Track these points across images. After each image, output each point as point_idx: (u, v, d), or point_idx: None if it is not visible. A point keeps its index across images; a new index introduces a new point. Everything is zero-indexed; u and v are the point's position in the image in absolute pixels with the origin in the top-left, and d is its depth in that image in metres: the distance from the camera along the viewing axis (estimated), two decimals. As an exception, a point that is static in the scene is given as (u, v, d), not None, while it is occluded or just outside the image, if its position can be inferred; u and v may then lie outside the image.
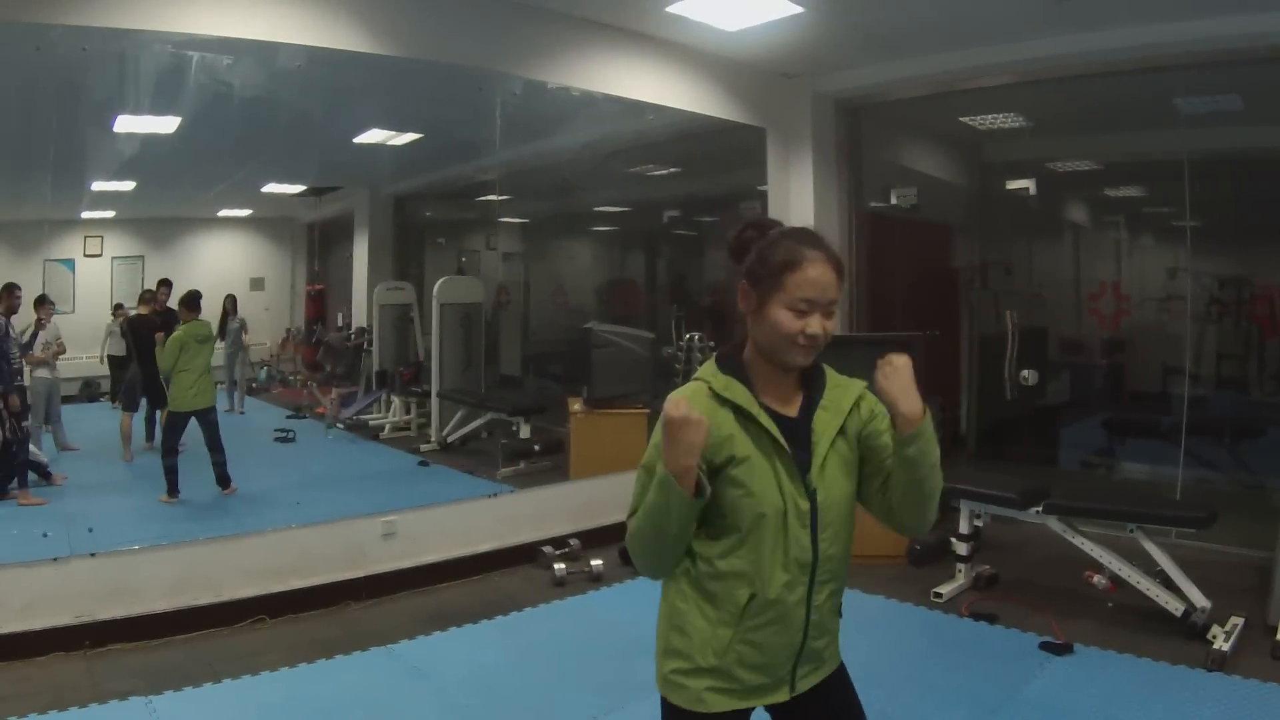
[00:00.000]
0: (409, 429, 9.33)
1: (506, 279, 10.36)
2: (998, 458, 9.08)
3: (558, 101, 7.49)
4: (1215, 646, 4.90)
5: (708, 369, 2.24)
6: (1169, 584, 5.32)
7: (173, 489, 6.59)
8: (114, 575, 5.21)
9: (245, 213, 9.47)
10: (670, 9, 6.71)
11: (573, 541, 6.68)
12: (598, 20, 7.05)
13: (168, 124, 6.80)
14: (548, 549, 6.53)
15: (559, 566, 6.27)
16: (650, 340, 8.31)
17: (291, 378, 9.36)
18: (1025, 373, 7.82)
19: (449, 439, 8.83)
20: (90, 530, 5.45)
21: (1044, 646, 5.11)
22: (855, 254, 8.71)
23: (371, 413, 9.45)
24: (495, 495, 6.84)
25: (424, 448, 8.71)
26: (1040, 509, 5.62)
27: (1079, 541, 5.58)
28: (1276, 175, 7.93)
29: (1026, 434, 9.12)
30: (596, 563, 6.32)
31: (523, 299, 10.70)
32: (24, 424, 6.76)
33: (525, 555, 6.58)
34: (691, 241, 11.41)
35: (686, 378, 8.49)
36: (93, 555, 5.19)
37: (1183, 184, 7.38)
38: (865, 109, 8.78)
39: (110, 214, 8.30)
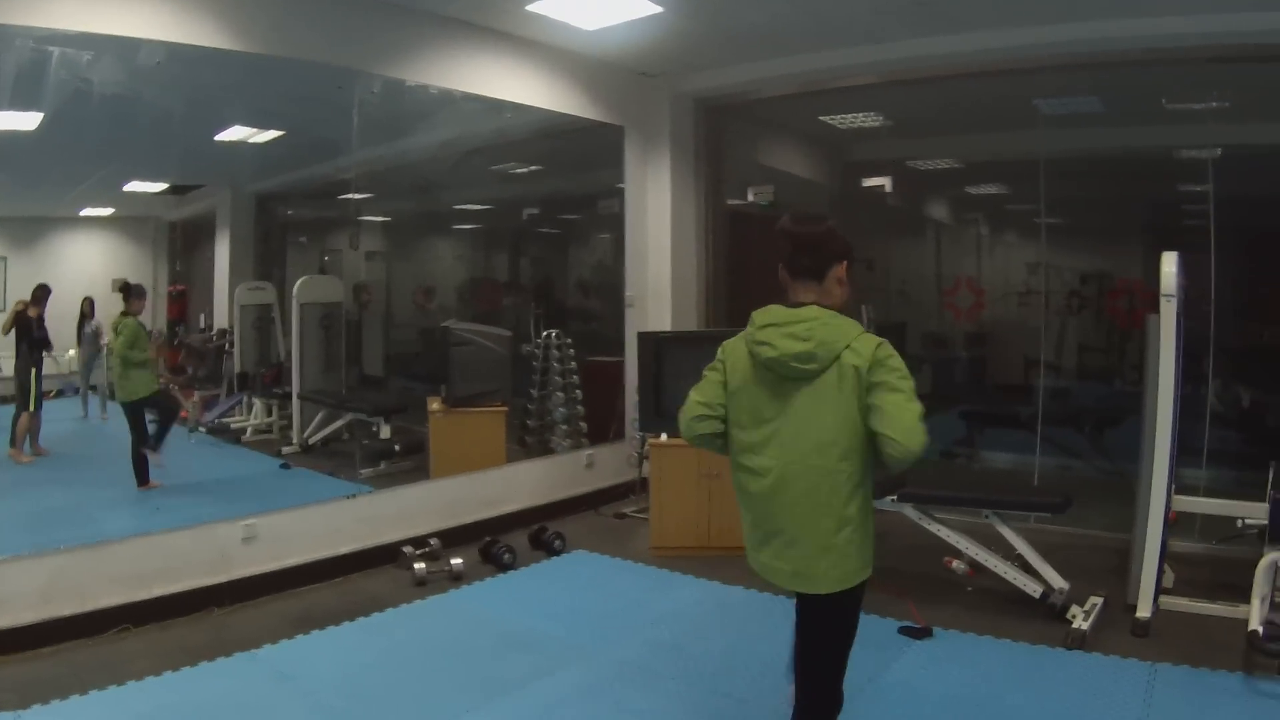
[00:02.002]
0: (271, 432, 9.07)
1: (369, 278, 10.29)
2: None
3: (417, 100, 7.35)
4: (1074, 626, 5.03)
5: (859, 325, 2.86)
6: (1028, 568, 5.46)
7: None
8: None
9: (108, 212, 9.12)
10: (530, 8, 6.63)
11: (433, 541, 6.59)
12: (459, 18, 6.95)
13: (28, 120, 6.47)
14: (408, 549, 6.42)
15: (419, 566, 6.17)
16: (509, 338, 8.25)
17: (164, 381, 9.13)
18: None
19: (310, 441, 8.62)
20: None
21: (903, 631, 5.16)
22: (713, 252, 8.76)
23: (234, 416, 9.32)
24: (354, 496, 6.70)
25: (285, 450, 8.49)
26: (895, 498, 5.66)
27: (936, 529, 5.66)
28: (1131, 174, 8.34)
29: None
30: (456, 561, 6.24)
31: (385, 298, 10.65)
32: None
33: (387, 556, 6.48)
34: (553, 239, 11.35)
35: (544, 375, 8.78)
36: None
37: (1040, 183, 7.64)
38: (726, 109, 8.80)
39: None
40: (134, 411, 6.96)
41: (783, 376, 2.89)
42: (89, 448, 7.48)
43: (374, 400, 8.81)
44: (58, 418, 7.36)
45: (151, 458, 6.98)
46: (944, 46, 7.00)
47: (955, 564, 5.82)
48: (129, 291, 7.22)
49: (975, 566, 5.73)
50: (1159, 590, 5.37)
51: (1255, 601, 4.78)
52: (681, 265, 8.55)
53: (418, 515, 6.88)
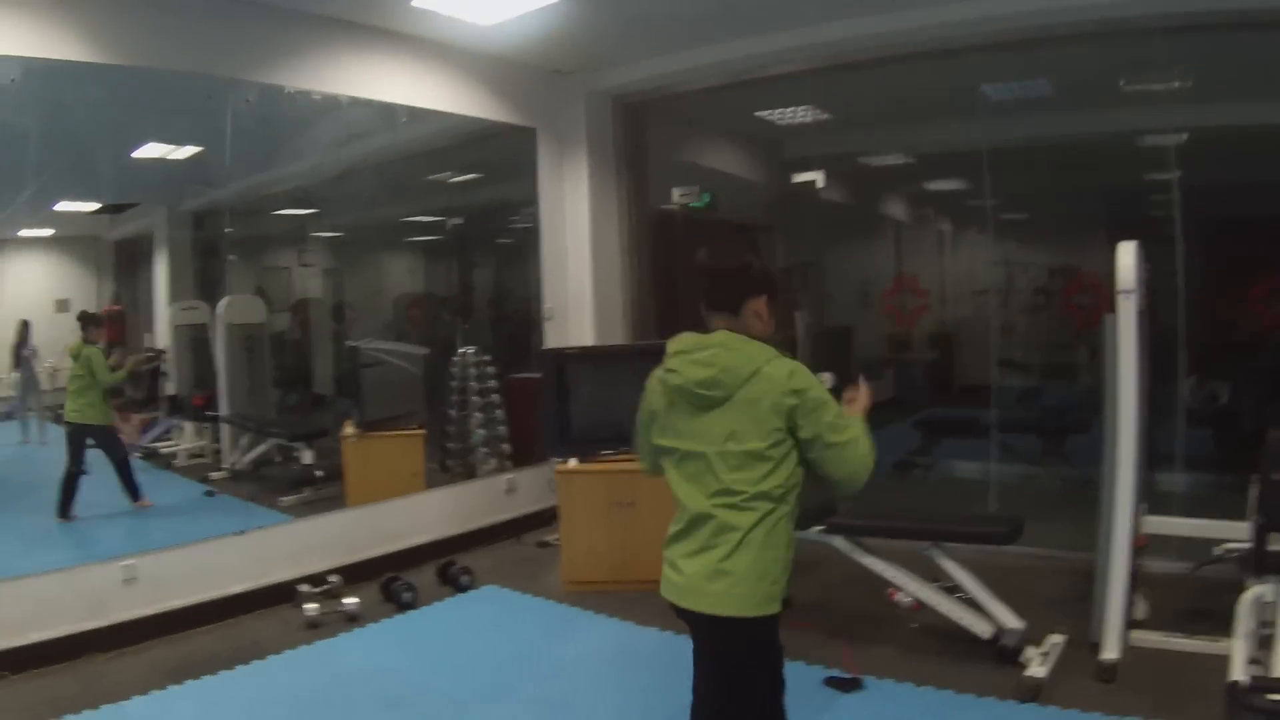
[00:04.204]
0: (204, 456, 8.74)
1: (310, 295, 9.89)
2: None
3: (302, 108, 6.79)
4: (1028, 673, 4.19)
5: (775, 350, 2.75)
6: (976, 603, 4.61)
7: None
8: None
9: (48, 232, 8.85)
10: (416, 3, 5.90)
11: (333, 578, 5.93)
12: (340, 18, 6.23)
13: None
14: (305, 587, 5.75)
15: (309, 607, 5.53)
16: (422, 356, 7.62)
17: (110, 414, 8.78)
18: (820, 375, 7.22)
19: (239, 466, 8.02)
20: None
21: (829, 682, 4.38)
22: (639, 259, 7.99)
23: (169, 440, 8.92)
24: (243, 532, 6.02)
25: (213, 476, 7.89)
26: (822, 529, 4.88)
27: (869, 562, 4.83)
28: (1088, 163, 7.58)
29: None
30: (351, 601, 5.60)
31: (328, 316, 10.19)
32: None
33: (283, 595, 5.80)
34: (478, 250, 10.35)
35: (463, 395, 7.71)
36: None
37: (990, 175, 6.84)
38: (647, 105, 7.96)
39: None
40: (78, 437, 6.73)
41: (694, 405, 2.76)
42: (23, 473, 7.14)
43: (292, 424, 8.22)
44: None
45: (140, 505, 6.83)
46: (877, 26, 6.18)
47: (899, 596, 4.84)
48: (88, 320, 6.99)
49: (921, 599, 4.82)
50: (1129, 625, 4.53)
51: (1237, 644, 3.86)
52: (604, 275, 7.75)
53: (318, 549, 6.20)
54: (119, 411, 8.33)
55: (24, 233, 8.42)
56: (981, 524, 4.97)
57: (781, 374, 2.67)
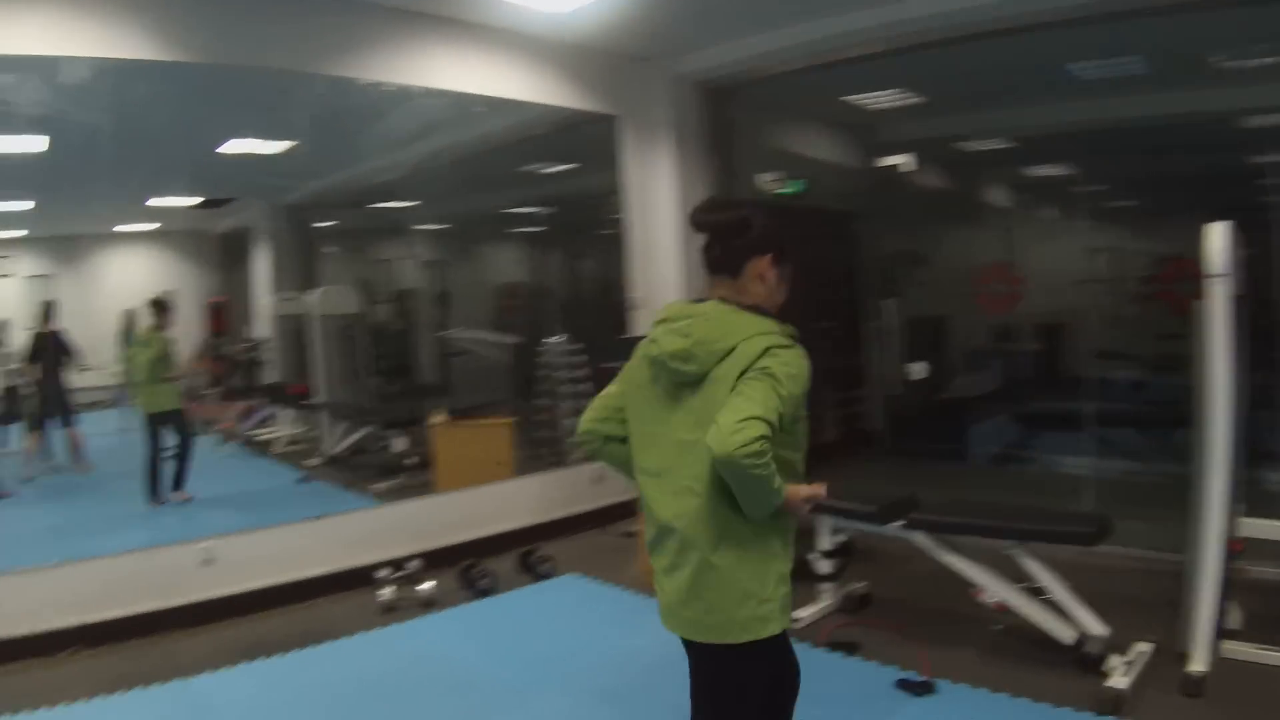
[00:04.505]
0: (301, 443, 8.70)
1: (413, 285, 9.92)
2: (911, 456, 8.05)
3: (373, 100, 6.69)
4: (1110, 683, 3.86)
5: (770, 323, 2.36)
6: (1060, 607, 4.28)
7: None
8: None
9: (152, 227, 9.11)
10: None
11: (413, 563, 5.86)
12: (411, 9, 6.13)
13: (36, 143, 6.45)
14: (383, 572, 5.69)
15: (385, 592, 5.51)
16: (511, 345, 7.60)
17: (205, 392, 9.00)
18: (912, 366, 6.90)
19: (333, 453, 8.16)
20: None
21: (901, 685, 4.10)
22: None
23: (269, 427, 9.06)
24: (321, 517, 6.00)
25: (309, 462, 8.05)
26: (903, 524, 4.63)
27: (951, 560, 4.54)
28: (1189, 143, 7.13)
29: (940, 430, 8.10)
30: (427, 587, 5.55)
31: (434, 306, 10.19)
32: None
33: (362, 579, 5.76)
34: (575, 239, 10.47)
35: (552, 383, 7.31)
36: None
37: (1094, 158, 6.63)
38: (732, 91, 7.67)
39: (23, 233, 8.05)
40: (154, 424, 6.84)
41: (671, 383, 2.40)
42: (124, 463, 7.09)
43: (385, 412, 8.26)
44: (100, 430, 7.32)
45: (176, 497, 6.84)
46: (963, 1, 5.84)
47: (984, 595, 4.55)
48: (160, 307, 7.02)
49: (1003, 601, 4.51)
50: (1220, 634, 4.12)
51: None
52: (691, 263, 7.29)
53: (400, 535, 6.16)
54: (222, 401, 8.53)
55: (127, 228, 8.67)
56: (1066, 523, 4.55)
57: (756, 348, 2.26)
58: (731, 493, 2.25)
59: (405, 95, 6.64)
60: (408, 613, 5.46)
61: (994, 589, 4.44)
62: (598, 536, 7.05)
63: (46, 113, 6.02)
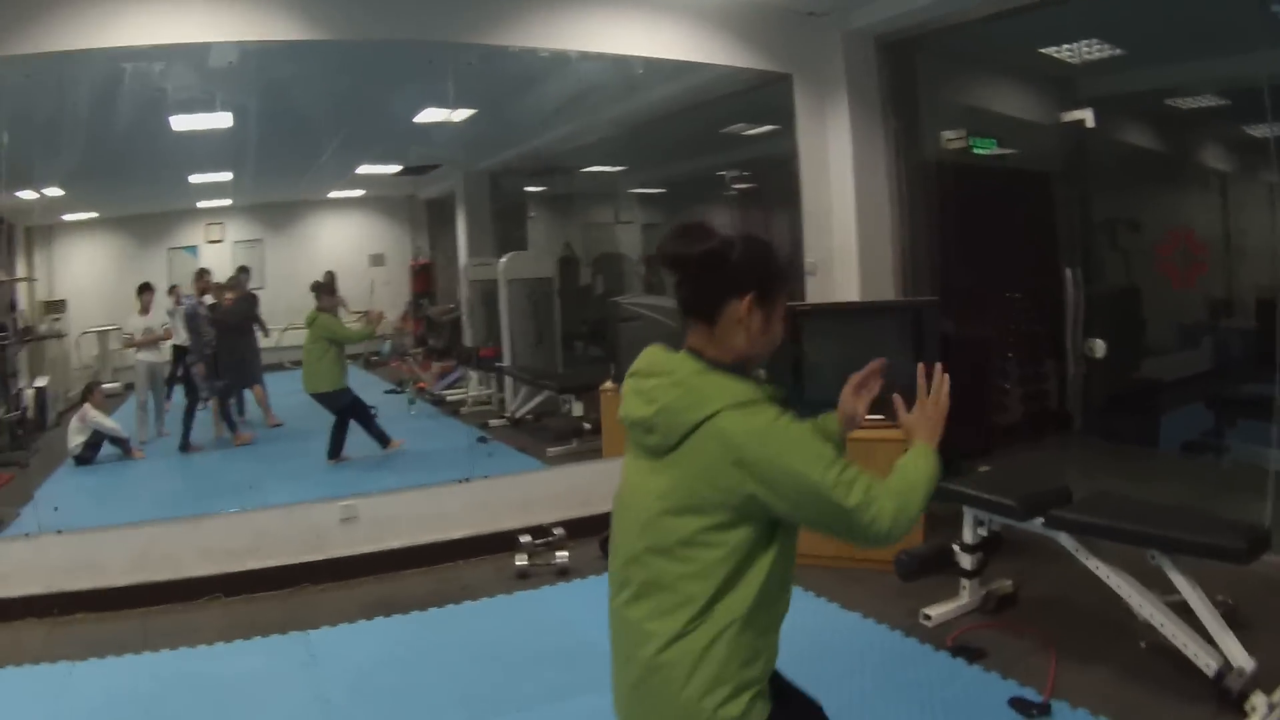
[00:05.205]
0: (490, 404, 8.83)
1: (609, 249, 9.87)
2: (1106, 437, 7.25)
3: (528, 65, 6.57)
4: None
5: (749, 389, 1.92)
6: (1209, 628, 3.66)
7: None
8: (83, 552, 5.18)
9: (359, 193, 9.51)
10: None
11: (557, 531, 5.74)
12: None
13: (220, 120, 6.87)
14: (526, 538, 5.62)
15: (521, 558, 5.46)
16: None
17: (410, 352, 9.34)
18: (1093, 342, 6.09)
19: (517, 415, 8.19)
20: (55, 509, 5.35)
21: (1014, 703, 3.64)
22: (910, 211, 7.07)
23: (460, 388, 9.25)
24: (467, 480, 5.95)
25: (492, 423, 8.10)
26: (1043, 521, 4.14)
27: (1094, 565, 4.00)
28: None
29: (1133, 413, 7.22)
30: (563, 555, 5.46)
31: (621, 272, 10.13)
32: (208, 386, 7.48)
33: (506, 543, 5.70)
34: (768, 201, 10.10)
35: None
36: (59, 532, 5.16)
37: None
38: (913, 43, 7.04)
39: (228, 202, 8.58)
40: (321, 402, 7.17)
41: (640, 447, 2.01)
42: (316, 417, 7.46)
43: (563, 377, 8.21)
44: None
45: (339, 460, 7.15)
46: None
47: None
48: (320, 289, 7.24)
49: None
50: None
51: None
52: (871, 227, 6.91)
53: (548, 502, 6.07)
54: (422, 361, 8.79)
55: (340, 193, 9.05)
56: (1216, 533, 3.77)
57: (736, 431, 1.84)
58: (691, 596, 1.89)
59: (582, 61, 6.53)
60: (541, 580, 5.42)
61: (1135, 602, 3.89)
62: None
63: (251, 93, 6.49)
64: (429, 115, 7.49)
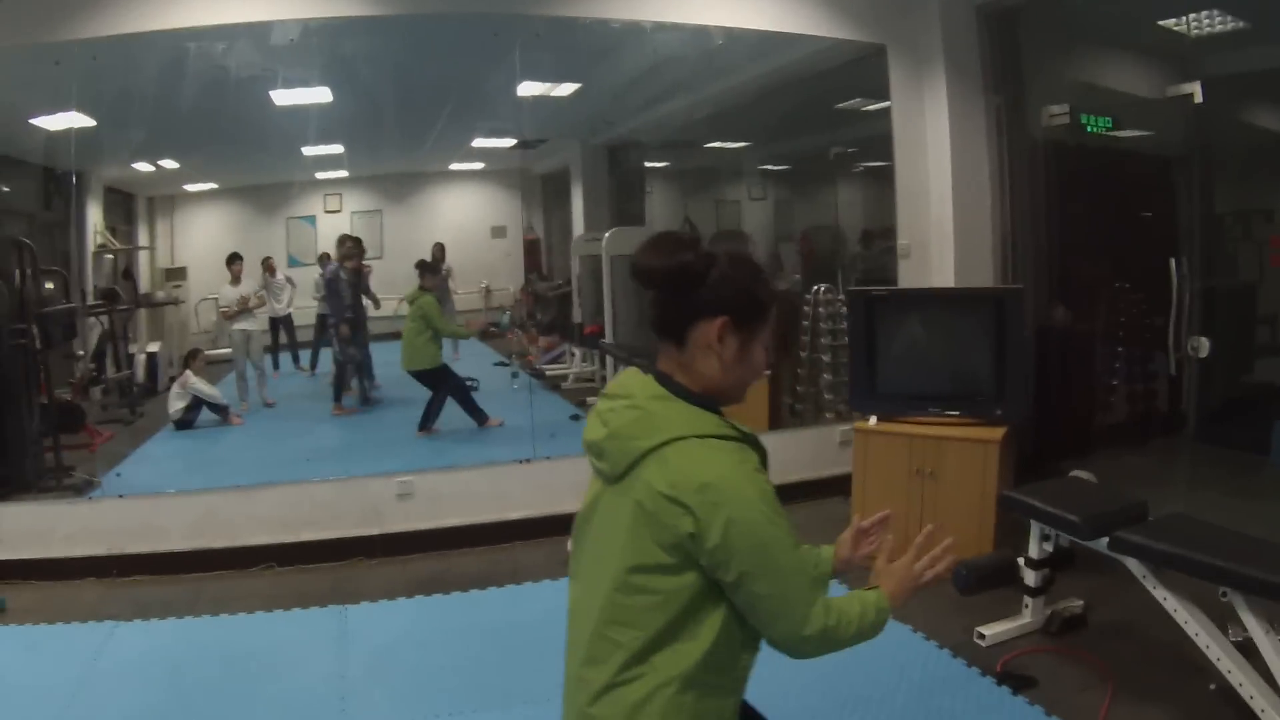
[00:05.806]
0: (593, 381, 8.67)
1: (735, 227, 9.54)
2: (1222, 443, 6.34)
3: (598, 36, 6.34)
4: None
5: (715, 423, 1.73)
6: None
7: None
8: (146, 516, 5.31)
9: (478, 166, 9.49)
10: None
11: None
12: None
13: (321, 95, 6.97)
14: None
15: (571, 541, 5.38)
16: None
17: (520, 326, 9.32)
18: (1197, 340, 5.51)
19: (615, 392, 8.01)
20: (118, 474, 5.56)
21: None
22: (1013, 191, 6.53)
23: (564, 363, 9.13)
24: (528, 461, 5.80)
25: (589, 400, 7.82)
26: (1109, 542, 3.68)
27: (1160, 595, 3.53)
28: None
29: (1246, 419, 6.28)
30: None
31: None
32: (349, 350, 7.66)
33: (563, 526, 5.65)
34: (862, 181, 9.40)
35: (813, 337, 6.87)
36: (120, 497, 5.35)
37: None
38: (1019, 13, 6.47)
39: (344, 174, 8.70)
40: (419, 379, 7.18)
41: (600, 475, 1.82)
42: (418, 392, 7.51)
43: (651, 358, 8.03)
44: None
45: (427, 433, 7.18)
46: None
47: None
48: (424, 268, 7.27)
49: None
50: None
51: None
52: (969, 209, 6.42)
53: None
54: (528, 335, 8.74)
55: (460, 166, 9.04)
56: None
57: (683, 464, 1.64)
58: (636, 653, 1.69)
59: (629, 30, 6.31)
60: (593, 563, 5.23)
61: (1203, 641, 3.42)
62: (834, 505, 6.10)
63: (331, 68, 6.51)
64: (528, 89, 7.34)
